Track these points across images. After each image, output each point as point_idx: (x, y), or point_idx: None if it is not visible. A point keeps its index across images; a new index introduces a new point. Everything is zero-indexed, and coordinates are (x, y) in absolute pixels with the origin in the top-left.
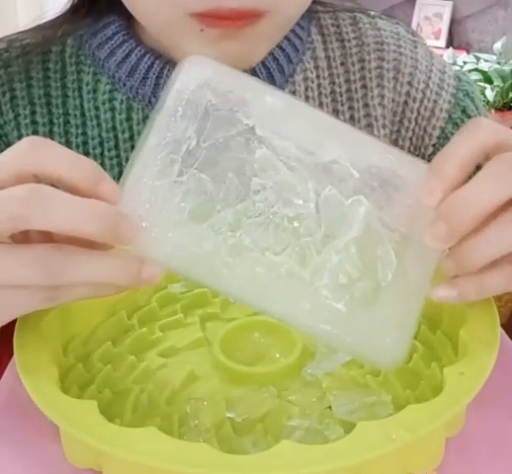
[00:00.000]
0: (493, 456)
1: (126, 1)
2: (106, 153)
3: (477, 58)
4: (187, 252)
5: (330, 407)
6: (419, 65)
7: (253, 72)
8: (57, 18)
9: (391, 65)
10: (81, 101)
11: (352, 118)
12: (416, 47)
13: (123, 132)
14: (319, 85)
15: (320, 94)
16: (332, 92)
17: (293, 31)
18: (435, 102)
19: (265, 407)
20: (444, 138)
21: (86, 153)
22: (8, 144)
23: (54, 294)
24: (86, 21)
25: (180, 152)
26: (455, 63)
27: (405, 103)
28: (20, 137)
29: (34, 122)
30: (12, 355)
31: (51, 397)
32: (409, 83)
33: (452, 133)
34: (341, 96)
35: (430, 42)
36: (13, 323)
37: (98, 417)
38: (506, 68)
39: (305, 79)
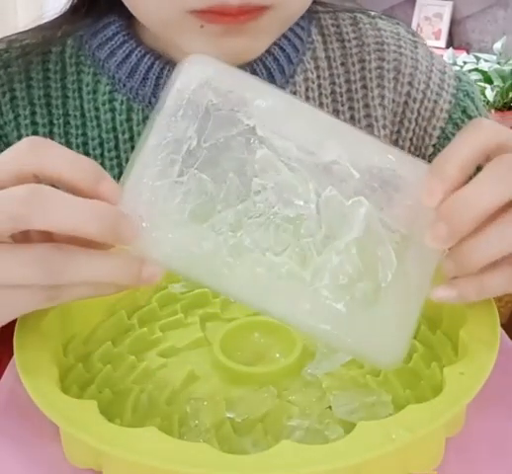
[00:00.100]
0: (493, 456)
1: (126, 0)
2: (106, 154)
3: (477, 58)
4: (187, 252)
5: (330, 407)
6: (419, 66)
7: (253, 73)
8: (57, 18)
9: (392, 66)
10: (81, 101)
11: (352, 118)
12: (416, 48)
13: (123, 133)
14: (320, 85)
15: (321, 94)
16: (332, 92)
17: (293, 31)
18: (435, 102)
19: (265, 407)
20: (444, 138)
21: (86, 154)
22: (8, 145)
23: (55, 294)
24: (86, 21)
25: (180, 152)
26: (455, 63)
27: (406, 103)
28: (20, 138)
29: (34, 123)
30: (12, 354)
31: (51, 397)
32: (410, 83)
33: (452, 134)
34: (341, 96)
35: (430, 43)
36: (13, 323)
37: (98, 417)
38: (506, 68)
39: (306, 80)
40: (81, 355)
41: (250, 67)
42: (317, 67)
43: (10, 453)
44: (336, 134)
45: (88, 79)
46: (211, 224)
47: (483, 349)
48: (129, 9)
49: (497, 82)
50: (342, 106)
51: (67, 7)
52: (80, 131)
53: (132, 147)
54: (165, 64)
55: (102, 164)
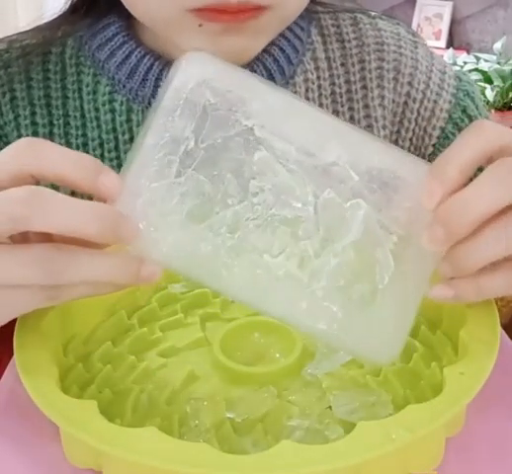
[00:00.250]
0: (493, 456)
1: (125, 0)
2: (106, 155)
3: (477, 58)
4: (186, 253)
5: (330, 407)
6: (419, 66)
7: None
8: (56, 18)
9: (392, 66)
10: (81, 102)
11: (352, 119)
12: (416, 48)
13: (123, 134)
14: (320, 86)
15: (321, 95)
16: (332, 93)
17: (293, 32)
18: (435, 102)
19: (265, 407)
20: (444, 138)
21: None
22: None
23: (54, 293)
24: (85, 21)
25: (178, 153)
26: (455, 63)
27: (405, 103)
28: (20, 138)
29: (34, 123)
30: (12, 354)
31: (51, 397)
32: (409, 83)
33: (452, 133)
34: (341, 97)
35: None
36: (13, 323)
37: (98, 417)
38: (506, 68)
39: (306, 80)
40: (81, 355)
41: (250, 68)
42: (317, 68)
43: (10, 453)
44: (336, 134)
45: (88, 80)
46: (208, 225)
47: (483, 349)
48: (128, 8)
49: (497, 82)
50: (342, 106)
51: (66, 7)
52: (80, 132)
53: None
54: (165, 65)
55: None
